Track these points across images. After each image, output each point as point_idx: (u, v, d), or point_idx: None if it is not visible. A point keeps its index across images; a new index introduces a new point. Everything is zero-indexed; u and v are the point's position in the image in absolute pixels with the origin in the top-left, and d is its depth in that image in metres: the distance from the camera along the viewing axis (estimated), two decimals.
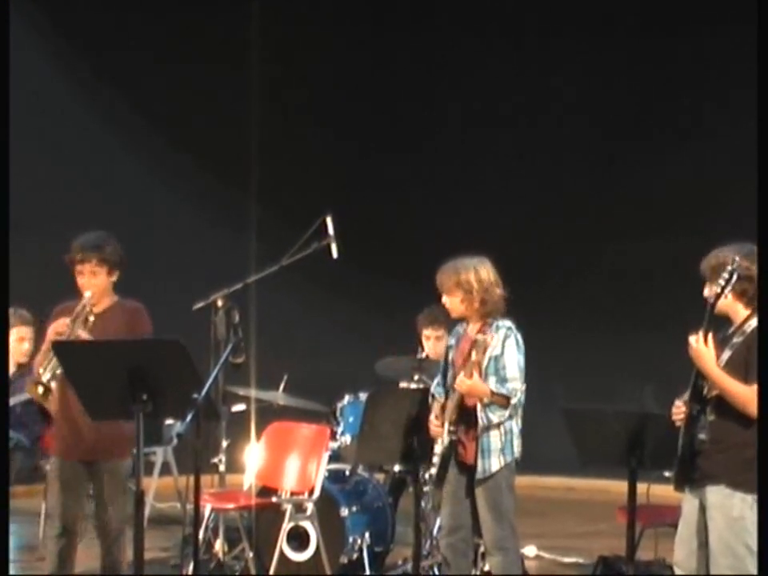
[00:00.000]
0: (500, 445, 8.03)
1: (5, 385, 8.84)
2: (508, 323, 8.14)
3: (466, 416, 8.00)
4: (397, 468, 9.75)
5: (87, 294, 7.89)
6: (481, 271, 8.13)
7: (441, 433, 8.04)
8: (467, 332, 8.18)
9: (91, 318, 7.86)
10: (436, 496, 8.85)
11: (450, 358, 8.28)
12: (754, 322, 7.15)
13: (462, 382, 7.83)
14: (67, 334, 7.67)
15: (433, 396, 8.31)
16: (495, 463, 8.02)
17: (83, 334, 7.70)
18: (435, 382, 8.43)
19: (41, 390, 7.66)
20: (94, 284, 7.94)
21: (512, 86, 15.13)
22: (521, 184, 15.18)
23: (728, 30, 14.15)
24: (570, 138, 14.99)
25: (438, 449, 8.07)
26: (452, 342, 8.33)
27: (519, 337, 8.09)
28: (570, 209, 15.03)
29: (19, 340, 10.54)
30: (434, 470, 8.10)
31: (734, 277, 6.93)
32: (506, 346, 8.02)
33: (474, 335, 8.05)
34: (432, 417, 8.11)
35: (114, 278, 8.08)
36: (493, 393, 7.91)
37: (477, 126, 15.31)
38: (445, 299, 8.15)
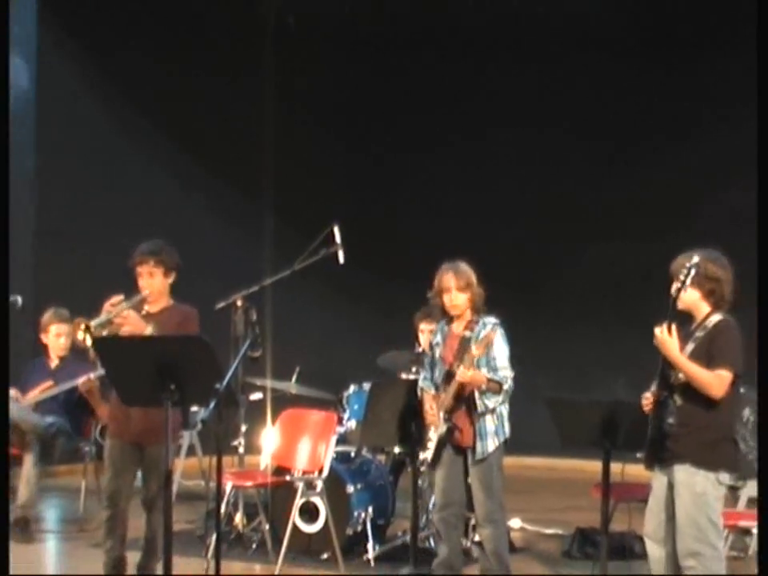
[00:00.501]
0: (494, 428, 8.10)
1: (5, 385, 8.83)
2: (493, 319, 8.19)
3: (462, 404, 8.07)
4: (396, 450, 9.77)
5: (145, 292, 8.01)
6: (472, 273, 8.24)
7: (436, 421, 8.11)
8: (452, 330, 8.24)
9: (146, 308, 7.98)
10: (430, 476, 8.91)
11: (437, 354, 8.30)
12: (714, 318, 7.21)
13: (464, 374, 7.88)
14: (119, 307, 7.77)
15: (422, 389, 8.38)
16: (491, 444, 8.09)
17: (131, 313, 7.79)
18: (422, 376, 8.46)
19: (82, 328, 7.71)
20: (151, 284, 8.03)
21: (505, 103, 15.13)
22: (510, 194, 15.18)
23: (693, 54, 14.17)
24: (561, 153, 14.99)
25: (433, 435, 8.13)
26: (438, 339, 8.34)
27: (503, 330, 8.16)
28: (554, 215, 15.03)
29: (57, 336, 10.62)
30: (429, 454, 8.16)
31: (692, 272, 7.01)
32: (495, 342, 8.08)
33: (461, 332, 8.14)
34: (427, 407, 8.18)
35: (170, 281, 8.15)
36: (489, 380, 7.99)
37: (472, 140, 15.29)
38: (455, 295, 8.13)
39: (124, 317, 7.79)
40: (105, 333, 7.72)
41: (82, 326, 7.69)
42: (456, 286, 8.14)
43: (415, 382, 8.58)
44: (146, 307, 8.01)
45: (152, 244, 8.18)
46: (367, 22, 14.04)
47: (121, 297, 7.88)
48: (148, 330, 7.77)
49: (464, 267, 8.22)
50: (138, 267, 8.08)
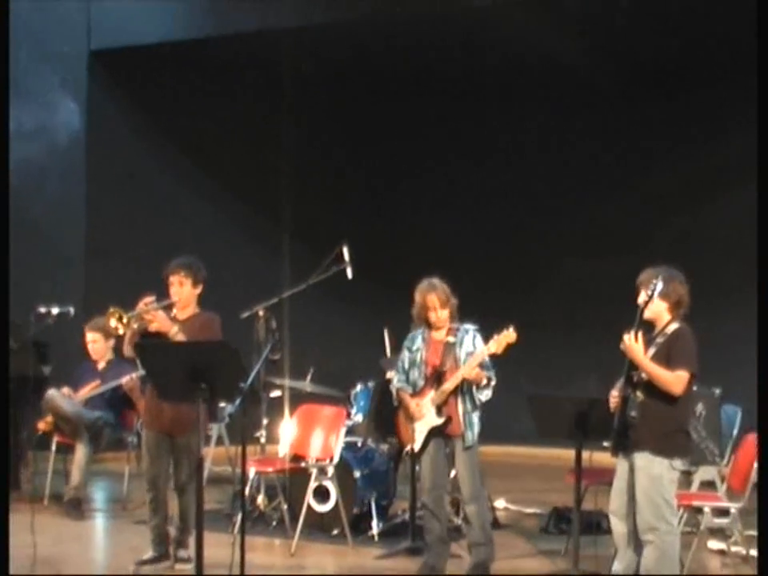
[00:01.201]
0: (477, 419, 8.16)
1: (5, 385, 8.83)
2: (472, 326, 8.24)
3: (451, 398, 8.10)
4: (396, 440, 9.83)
5: (175, 298, 8.08)
6: (447, 287, 8.24)
7: (421, 416, 8.14)
8: (433, 337, 8.23)
9: (175, 311, 8.04)
10: (416, 463, 8.88)
11: (418, 358, 8.27)
12: (672, 326, 7.29)
13: (470, 371, 7.97)
14: (150, 306, 7.83)
15: (398, 389, 8.34)
16: (476, 433, 8.17)
17: (160, 312, 7.86)
18: (397, 378, 8.39)
19: (116, 317, 7.75)
20: (180, 292, 8.10)
21: (495, 137, 15.16)
22: (501, 214, 15.21)
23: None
24: (549, 183, 15.04)
25: (420, 427, 8.16)
26: (418, 345, 8.29)
27: (480, 335, 8.19)
28: (539, 234, 15.06)
29: (93, 342, 10.60)
30: (417, 444, 8.17)
31: (659, 287, 7.13)
32: (476, 344, 8.14)
33: (444, 338, 8.17)
34: (413, 404, 8.18)
35: (198, 291, 8.20)
36: (487, 377, 8.07)
37: (467, 167, 15.33)
38: (440, 313, 8.11)
39: (153, 315, 7.86)
40: (135, 325, 7.80)
41: (116, 315, 7.77)
42: (440, 305, 8.15)
43: None
44: (175, 312, 8.07)
45: (183, 258, 8.25)
46: (371, 64, 14.05)
47: (153, 297, 7.96)
48: (174, 329, 7.83)
49: (440, 284, 8.18)
50: (170, 277, 8.15)
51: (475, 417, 8.16)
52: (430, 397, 8.13)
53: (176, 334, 7.82)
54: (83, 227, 13.98)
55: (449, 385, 8.07)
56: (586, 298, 14.34)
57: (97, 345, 10.54)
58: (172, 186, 14.55)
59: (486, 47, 13.23)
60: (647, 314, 7.27)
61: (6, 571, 6.96)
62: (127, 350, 8.11)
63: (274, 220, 14.87)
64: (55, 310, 7.88)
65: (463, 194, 15.42)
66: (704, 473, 9.23)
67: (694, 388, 9.70)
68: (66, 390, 10.70)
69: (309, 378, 10.64)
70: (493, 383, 8.12)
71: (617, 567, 7.54)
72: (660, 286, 7.15)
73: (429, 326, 8.26)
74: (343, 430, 9.48)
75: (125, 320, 7.76)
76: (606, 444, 7.56)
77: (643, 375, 7.22)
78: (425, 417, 8.15)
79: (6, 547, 7.07)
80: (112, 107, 14.11)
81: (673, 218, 14.13)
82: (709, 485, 9.09)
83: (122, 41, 13.70)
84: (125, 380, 10.14)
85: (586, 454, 8.15)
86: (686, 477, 9.37)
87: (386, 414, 8.74)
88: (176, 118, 14.42)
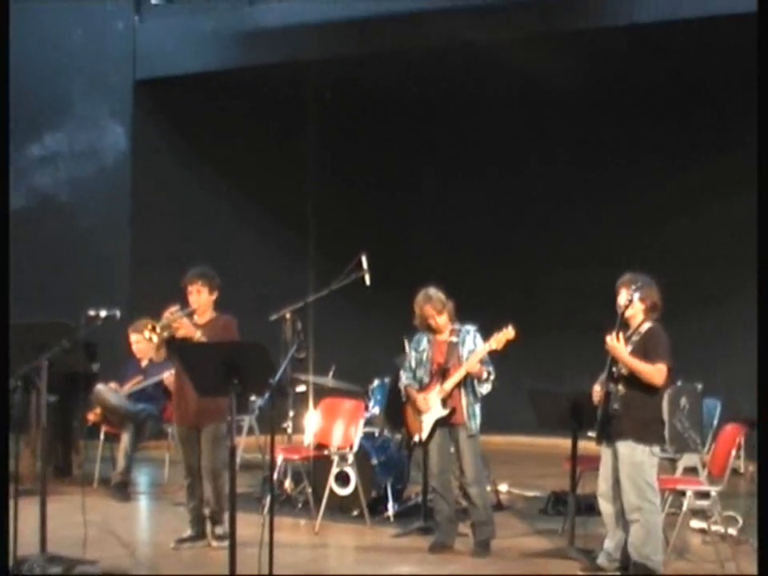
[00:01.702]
0: (478, 410, 8.23)
1: (5, 385, 8.84)
2: (472, 327, 8.31)
3: (455, 391, 8.17)
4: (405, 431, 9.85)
5: (194, 305, 8.13)
6: (442, 294, 8.27)
7: (428, 408, 8.20)
8: (437, 338, 8.28)
9: (195, 317, 8.08)
10: (418, 452, 8.97)
11: (424, 357, 8.33)
12: (646, 325, 7.41)
13: (473, 367, 8.04)
14: (175, 315, 7.89)
15: (406, 386, 8.43)
16: (478, 422, 8.23)
17: (184, 320, 7.91)
18: (405, 376, 8.47)
19: (149, 328, 7.82)
20: (198, 299, 8.15)
21: (497, 155, 15.19)
22: (505, 227, 15.24)
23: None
24: (550, 199, 15.07)
25: (427, 418, 8.22)
26: (424, 346, 8.34)
27: (480, 334, 8.25)
28: (533, 243, 15.10)
29: (136, 342, 10.66)
30: (425, 434, 8.25)
31: (638, 293, 7.25)
32: (477, 342, 8.20)
33: (447, 339, 8.24)
34: (421, 398, 8.24)
35: (214, 297, 8.23)
36: (487, 372, 8.14)
37: (472, 184, 15.35)
38: (439, 319, 8.17)
39: (180, 323, 7.92)
40: (165, 334, 7.87)
41: (149, 327, 7.85)
42: (437, 313, 8.19)
43: None
44: (195, 317, 8.13)
45: (199, 268, 8.29)
46: (386, 90, 14.07)
47: (177, 306, 8.02)
48: (197, 333, 7.89)
49: (434, 293, 8.22)
50: (188, 286, 8.19)
51: (477, 408, 8.23)
52: (436, 391, 8.19)
53: (200, 338, 7.88)
54: (128, 239, 14.06)
55: (454, 379, 8.13)
56: (578, 302, 14.34)
57: (140, 345, 10.56)
58: (207, 202, 14.59)
59: (491, 74, 13.25)
60: (627, 314, 7.37)
61: (6, 571, 6.80)
62: (158, 354, 8.18)
63: (300, 232, 14.91)
64: (103, 314, 7.87)
65: (469, 209, 15.43)
66: (687, 459, 9.25)
67: (679, 383, 9.81)
68: (112, 384, 10.79)
69: (331, 374, 10.63)
70: (492, 377, 8.18)
71: (608, 545, 7.60)
72: (640, 290, 7.26)
73: (431, 330, 8.32)
74: (362, 422, 9.51)
75: (157, 330, 7.85)
76: (590, 434, 7.65)
77: (623, 371, 7.32)
78: (431, 409, 8.21)
79: (5, 547, 6.92)
80: (154, 131, 14.17)
81: (657, 232, 14.14)
82: (691, 470, 9.11)
83: (163, 71, 13.76)
84: (165, 376, 10.20)
85: (580, 443, 8.23)
86: (671, 463, 9.41)
87: (400, 407, 8.78)
88: (211, 140, 14.48)
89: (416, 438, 8.41)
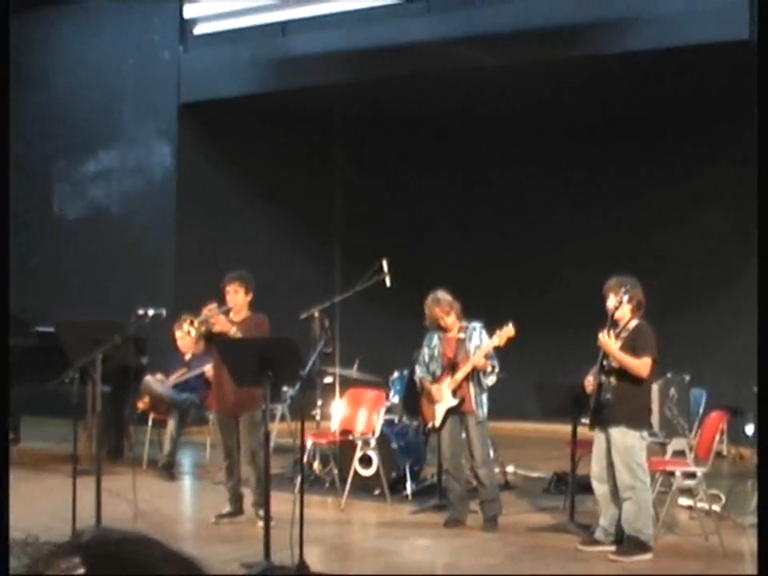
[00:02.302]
0: (485, 400, 8.26)
1: (5, 383, 8.84)
2: (478, 324, 8.32)
3: (465, 382, 8.19)
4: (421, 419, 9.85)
5: (231, 304, 8.16)
6: (449, 296, 8.28)
7: (441, 398, 8.22)
8: (447, 336, 8.29)
9: (231, 315, 8.09)
10: (434, 437, 8.98)
11: (436, 352, 8.34)
12: (633, 322, 7.46)
13: (479, 361, 8.06)
14: (213, 311, 7.93)
15: (421, 379, 8.45)
16: (485, 410, 8.26)
17: (221, 316, 7.93)
18: (419, 370, 8.49)
19: (188, 322, 7.88)
20: (235, 299, 8.16)
21: (505, 165, 15.17)
22: (512, 231, 15.21)
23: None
24: (544, 203, 15.06)
25: (440, 408, 8.24)
26: (435, 342, 8.36)
27: (485, 331, 8.26)
28: (536, 246, 15.08)
29: (181, 338, 10.71)
30: (438, 422, 8.28)
31: (627, 294, 7.28)
32: (482, 338, 8.22)
33: (456, 335, 8.25)
34: (434, 389, 8.26)
35: (249, 298, 8.24)
36: (491, 366, 8.15)
37: (483, 193, 15.34)
38: (447, 319, 8.20)
39: (216, 318, 7.95)
40: (203, 328, 7.91)
41: (188, 321, 7.90)
42: (445, 314, 8.21)
43: None
44: (231, 315, 8.15)
45: (237, 271, 8.31)
46: (404, 110, 14.09)
47: (215, 304, 8.05)
48: (233, 329, 7.91)
49: (442, 296, 8.22)
50: (227, 287, 8.20)
51: (484, 397, 8.26)
52: (447, 383, 8.22)
53: (235, 333, 7.90)
54: (173, 246, 14.10)
55: (462, 372, 8.16)
56: (579, 300, 14.30)
57: (183, 340, 10.53)
58: (244, 213, 14.61)
59: (498, 96, 13.25)
60: (617, 315, 7.39)
61: (6, 571, 6.61)
62: (197, 347, 8.22)
63: (327, 240, 14.94)
64: (151, 312, 7.91)
65: (478, 218, 15.39)
66: (676, 444, 9.24)
67: (669, 375, 9.78)
68: (159, 376, 10.85)
69: (355, 367, 10.63)
70: (496, 371, 8.21)
71: (603, 521, 7.61)
72: (628, 293, 7.29)
73: (441, 329, 8.33)
74: (383, 410, 9.54)
75: (195, 324, 7.89)
76: (583, 420, 7.68)
77: (614, 364, 7.35)
78: (443, 399, 8.23)
79: (5, 547, 6.65)
80: (197, 149, 14.21)
81: (651, 236, 14.09)
82: (680, 453, 9.10)
83: (205, 95, 13.80)
84: (207, 368, 10.25)
85: (580, 429, 8.25)
86: (661, 447, 9.40)
87: (416, 397, 8.80)
88: (248, 157, 14.50)
89: (430, 425, 8.44)
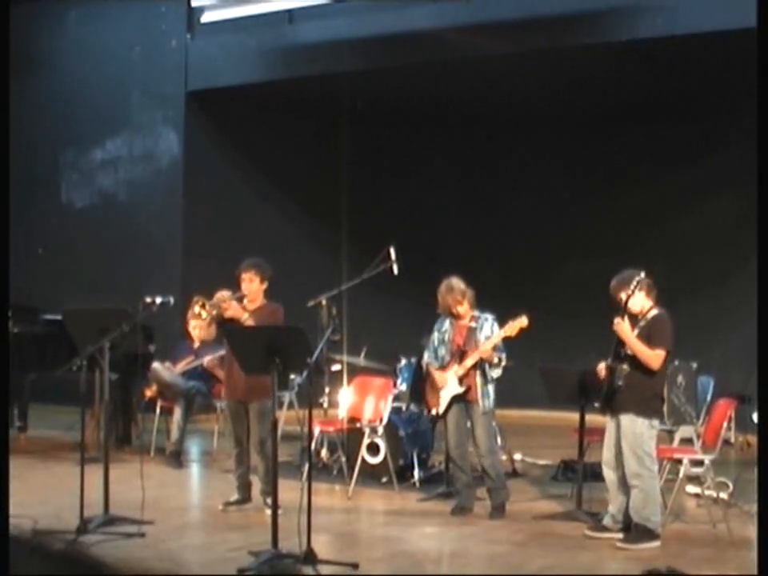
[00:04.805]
0: (491, 391, 8.24)
1: (5, 382, 8.80)
2: (490, 315, 8.28)
3: (472, 371, 8.18)
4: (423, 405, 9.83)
5: (246, 291, 8.14)
6: (462, 284, 8.25)
7: (444, 385, 8.20)
8: (459, 323, 8.26)
9: (245, 301, 8.06)
10: (439, 425, 8.97)
11: (446, 338, 8.31)
12: (653, 312, 7.42)
13: (486, 352, 8.03)
14: (226, 296, 7.90)
15: (428, 364, 8.42)
16: (492, 401, 8.24)
17: (233, 303, 7.91)
18: (427, 355, 8.46)
19: (200, 304, 7.85)
20: (250, 287, 8.13)
21: (514, 162, 15.17)
22: (521, 223, 15.20)
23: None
24: (554, 195, 15.04)
25: (444, 394, 8.22)
26: (446, 327, 8.33)
27: (497, 323, 8.23)
28: (546, 237, 15.07)
29: (194, 328, 10.72)
30: (441, 408, 8.25)
31: (638, 284, 7.26)
32: (493, 330, 8.19)
33: (467, 324, 8.22)
34: (439, 376, 8.24)
35: (264, 286, 8.21)
36: (498, 358, 8.13)
37: (491, 185, 15.33)
38: (460, 307, 8.17)
39: (228, 304, 7.92)
40: (214, 312, 7.88)
41: (200, 303, 7.88)
42: (458, 302, 8.18)
43: None
44: (246, 303, 8.12)
45: (253, 259, 8.27)
46: (410, 99, 14.05)
47: (229, 291, 8.03)
48: (245, 316, 7.89)
49: (456, 283, 8.19)
50: (242, 275, 8.16)
51: (490, 388, 8.23)
52: (454, 370, 8.20)
53: (246, 320, 7.88)
54: (180, 233, 14.09)
55: (470, 361, 8.13)
56: (586, 290, 14.28)
57: (196, 330, 10.68)
58: (252, 200, 14.61)
59: (504, 84, 13.21)
60: (631, 306, 7.36)
61: (6, 571, 6.25)
62: (208, 331, 8.20)
63: (334, 228, 14.90)
64: (158, 300, 7.89)
65: (487, 207, 15.38)
66: (683, 431, 9.22)
67: (676, 362, 9.75)
68: (167, 364, 10.84)
69: (363, 354, 10.65)
70: (503, 364, 8.16)
71: (611, 508, 7.59)
72: (638, 284, 7.27)
73: (454, 316, 8.30)
74: (390, 397, 9.52)
75: (207, 307, 7.87)
76: (596, 404, 7.65)
77: (628, 351, 7.31)
78: (448, 386, 8.21)
79: (5, 547, 5.74)
80: (204, 137, 14.20)
81: (659, 226, 14.08)
82: (687, 441, 9.08)
83: (212, 83, 13.79)
84: (206, 360, 10.25)
85: (588, 416, 8.22)
86: (669, 434, 9.39)
87: (422, 384, 8.78)
88: (255, 145, 14.51)
89: (433, 412, 8.42)
